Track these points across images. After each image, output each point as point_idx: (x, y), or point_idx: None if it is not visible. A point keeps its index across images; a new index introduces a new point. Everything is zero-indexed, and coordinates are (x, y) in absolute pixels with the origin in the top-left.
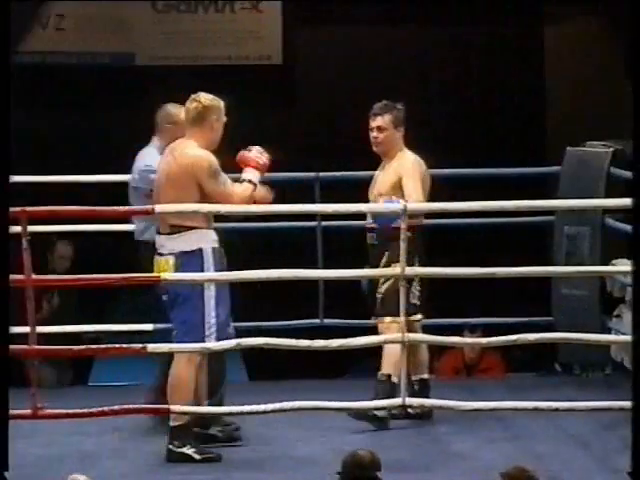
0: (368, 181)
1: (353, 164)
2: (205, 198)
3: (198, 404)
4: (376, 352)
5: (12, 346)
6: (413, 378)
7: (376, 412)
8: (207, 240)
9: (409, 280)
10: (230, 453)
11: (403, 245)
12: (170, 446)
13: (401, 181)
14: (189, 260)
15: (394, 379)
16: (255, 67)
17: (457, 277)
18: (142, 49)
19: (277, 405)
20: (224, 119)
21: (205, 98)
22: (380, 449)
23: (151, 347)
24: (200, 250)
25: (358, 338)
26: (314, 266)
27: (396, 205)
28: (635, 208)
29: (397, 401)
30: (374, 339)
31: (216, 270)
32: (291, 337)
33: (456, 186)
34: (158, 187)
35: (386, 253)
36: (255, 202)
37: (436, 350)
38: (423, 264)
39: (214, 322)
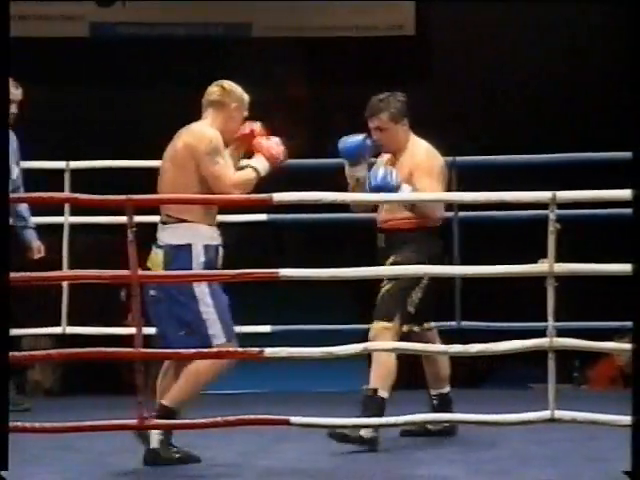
0: (516, 168)
1: (511, 143)
2: (203, 182)
3: None
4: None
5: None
6: (432, 393)
7: (362, 433)
8: (199, 236)
9: (411, 287)
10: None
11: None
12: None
13: (412, 176)
14: (177, 255)
15: (382, 394)
16: (385, 38)
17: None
18: (258, 19)
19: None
20: (245, 113)
21: (229, 84)
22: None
23: (269, 351)
24: (189, 245)
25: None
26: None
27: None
28: (635, 203)
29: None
30: (513, 346)
31: (205, 269)
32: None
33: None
34: (161, 169)
35: (392, 257)
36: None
37: (589, 358)
38: None
39: (216, 318)
